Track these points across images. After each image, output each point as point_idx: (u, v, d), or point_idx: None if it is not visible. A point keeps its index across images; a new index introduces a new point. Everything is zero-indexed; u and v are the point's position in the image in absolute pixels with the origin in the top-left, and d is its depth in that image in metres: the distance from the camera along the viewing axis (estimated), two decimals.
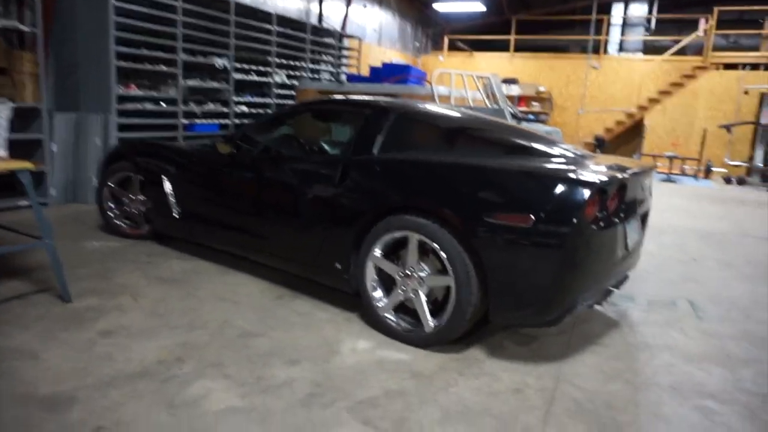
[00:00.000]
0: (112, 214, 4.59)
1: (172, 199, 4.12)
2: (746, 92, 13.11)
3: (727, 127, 12.83)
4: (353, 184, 3.10)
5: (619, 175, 2.76)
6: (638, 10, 16.19)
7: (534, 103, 15.95)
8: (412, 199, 2.84)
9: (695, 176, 12.66)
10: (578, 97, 15.80)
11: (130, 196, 4.47)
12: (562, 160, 2.89)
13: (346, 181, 3.12)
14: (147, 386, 2.31)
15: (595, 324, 3.26)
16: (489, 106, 7.74)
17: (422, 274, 2.81)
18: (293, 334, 2.90)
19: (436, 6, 15.75)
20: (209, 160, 3.92)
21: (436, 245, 2.70)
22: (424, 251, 2.81)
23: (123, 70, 6.41)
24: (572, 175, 2.56)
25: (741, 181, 12.11)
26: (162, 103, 7.15)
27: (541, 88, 16.03)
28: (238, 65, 8.07)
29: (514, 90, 15.53)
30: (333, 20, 12.49)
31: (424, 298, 2.81)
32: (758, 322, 3.52)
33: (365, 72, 11.51)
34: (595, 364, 2.76)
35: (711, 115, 13.72)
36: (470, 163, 2.81)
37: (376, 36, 14.81)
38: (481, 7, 15.11)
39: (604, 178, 2.61)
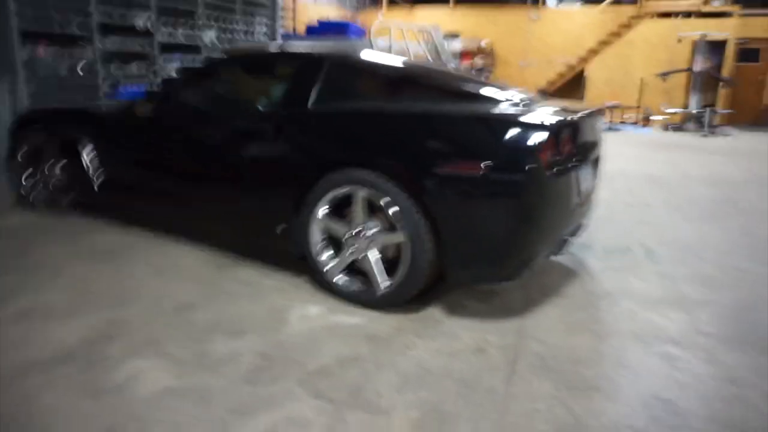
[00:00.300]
0: (26, 187, 4.14)
1: (90, 168, 3.73)
2: (679, 40, 13.35)
3: (663, 76, 13.10)
4: (288, 140, 2.84)
5: (572, 117, 2.61)
6: None
7: (477, 58, 15.79)
8: (353, 153, 2.62)
9: (635, 124, 12.92)
10: (520, 50, 15.77)
11: (45, 165, 4.03)
12: (511, 104, 2.71)
13: (280, 138, 2.85)
14: (68, 371, 2.04)
15: (554, 275, 3.17)
16: (431, 60, 7.50)
17: (371, 233, 2.60)
18: (237, 305, 2.66)
19: None
20: (129, 122, 3.54)
21: (383, 201, 2.49)
22: (372, 209, 2.60)
23: (28, 33, 5.77)
24: (524, 119, 2.39)
25: (678, 128, 12.44)
26: (79, 69, 6.55)
27: (483, 43, 15.87)
28: (162, 28, 7.47)
29: (456, 45, 15.28)
30: None
31: (374, 258, 2.61)
32: (708, 262, 3.53)
33: (302, 31, 11.01)
34: (557, 316, 2.66)
35: (647, 65, 13.94)
36: (413, 110, 2.60)
37: None
38: None
39: (557, 120, 2.46)
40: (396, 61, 3.33)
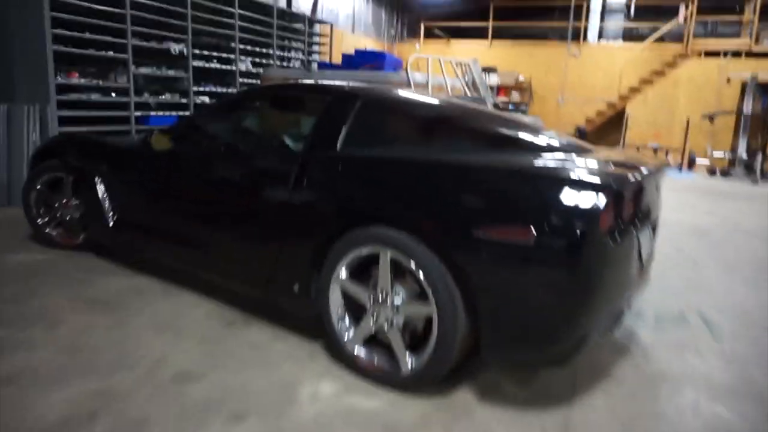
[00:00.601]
0: (42, 221, 3.96)
1: (105, 204, 3.53)
2: (728, 80, 12.83)
3: (710, 117, 12.57)
4: (312, 186, 2.56)
5: (636, 176, 2.27)
6: None
7: (513, 93, 15.52)
8: (383, 207, 2.33)
9: (679, 168, 12.38)
10: (558, 87, 15.41)
11: (62, 199, 3.85)
12: (562, 155, 2.39)
13: (304, 182, 2.58)
14: None
15: (602, 351, 2.78)
16: (469, 94, 7.24)
17: (397, 301, 2.29)
18: (243, 375, 2.36)
19: None
20: (144, 156, 3.34)
21: (413, 264, 2.18)
22: (401, 272, 2.29)
23: (63, 56, 5.73)
24: (583, 176, 2.06)
25: (725, 173, 11.85)
26: (113, 93, 6.50)
27: (521, 77, 15.60)
28: (197, 51, 7.42)
29: (493, 79, 15.06)
30: (303, 6, 11.84)
31: (399, 331, 2.29)
32: None
33: (338, 60, 10.92)
34: (609, 407, 2.28)
35: (692, 105, 13.43)
36: (453, 161, 2.30)
37: (349, 23, 14.19)
38: None
39: (621, 180, 2.13)
40: (434, 101, 3.07)
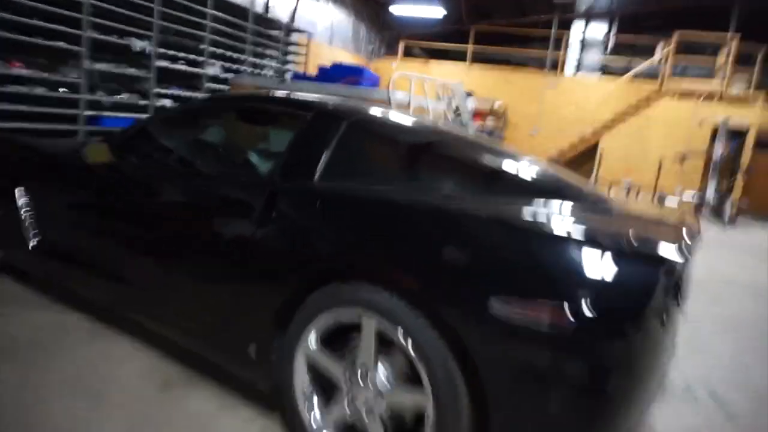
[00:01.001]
0: None
1: (26, 221, 2.94)
2: (701, 123, 12.92)
3: (681, 158, 12.61)
4: (281, 224, 2.07)
5: (688, 243, 1.86)
6: (598, 30, 15.89)
7: (488, 119, 15.33)
8: (370, 260, 1.85)
9: None
10: (533, 116, 15.32)
11: None
12: (592, 206, 1.97)
13: (271, 217, 2.08)
14: None
15: None
16: (450, 118, 6.87)
17: (381, 383, 1.81)
18: None
19: (393, 9, 14.88)
20: (77, 168, 2.78)
21: (404, 339, 1.71)
22: (386, 345, 1.81)
23: (5, 42, 5.09)
24: (633, 241, 1.64)
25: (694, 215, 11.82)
26: (61, 88, 5.86)
27: (497, 104, 15.44)
28: (162, 50, 6.84)
29: (470, 103, 14.82)
30: (280, 13, 11.36)
31: (382, 422, 1.81)
32: None
33: (313, 71, 10.46)
34: None
35: (664, 144, 13.48)
36: (463, 208, 1.85)
37: (327, 35, 13.77)
38: (441, 12, 14.35)
39: (677, 248, 1.70)
40: (436, 128, 2.63)
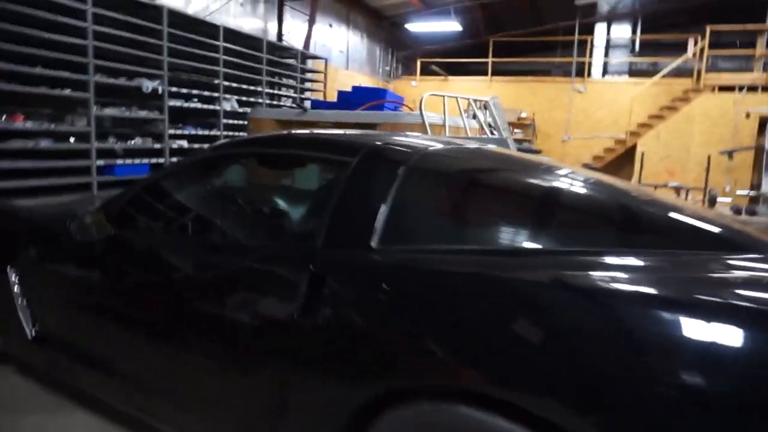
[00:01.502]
0: None
1: (24, 308, 2.42)
2: (747, 115, 12.12)
3: (729, 154, 11.79)
4: (331, 315, 1.50)
5: None
6: (622, 31, 15.25)
7: (516, 130, 14.71)
8: (472, 368, 1.27)
9: None
10: (563, 123, 14.67)
11: None
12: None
13: (317, 306, 1.51)
14: None
15: None
16: (488, 134, 6.29)
17: None
18: None
19: (408, 26, 14.48)
20: (68, 243, 2.25)
21: None
22: None
23: (5, 95, 4.70)
24: None
25: (752, 212, 10.97)
26: (71, 138, 5.46)
27: (523, 114, 14.85)
28: (174, 89, 6.43)
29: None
30: (294, 41, 11.01)
31: None
32: None
33: (332, 98, 10.04)
34: None
35: (707, 140, 12.70)
36: (606, 282, 1.25)
37: (342, 59, 13.39)
38: (457, 27, 13.91)
39: None
40: (513, 158, 2.06)
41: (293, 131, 2.24)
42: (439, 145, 1.95)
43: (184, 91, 6.63)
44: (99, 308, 2.16)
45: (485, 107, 6.55)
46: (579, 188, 1.76)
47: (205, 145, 7.13)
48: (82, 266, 2.21)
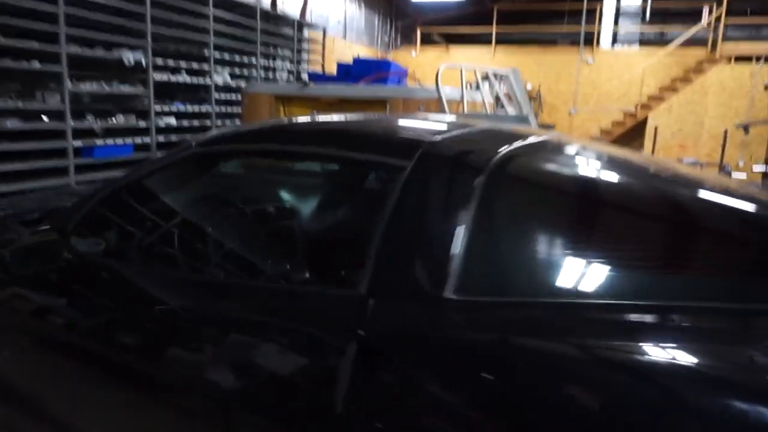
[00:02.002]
0: None
1: None
2: (766, 87, 11.56)
3: (745, 127, 11.26)
4: (393, 411, 0.99)
5: None
6: None
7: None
8: None
9: None
10: (569, 95, 14.04)
11: None
12: None
13: (371, 391, 1.00)
14: None
15: None
16: (509, 112, 5.72)
17: None
18: None
19: None
20: (19, 275, 1.69)
21: None
22: None
23: None
24: None
25: None
26: (44, 117, 4.86)
27: (528, 86, 14.19)
28: (159, 61, 5.79)
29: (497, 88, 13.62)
30: (288, 9, 10.27)
31: None
32: None
33: (332, 70, 9.39)
34: None
35: (722, 113, 12.16)
36: None
37: (340, 29, 12.66)
38: None
39: None
40: (643, 162, 1.52)
41: (309, 119, 1.67)
42: (516, 139, 1.41)
43: (171, 63, 5.98)
44: (57, 364, 1.61)
45: (493, 79, 5.93)
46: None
47: (196, 123, 6.54)
48: (26, 309, 1.64)
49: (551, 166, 1.34)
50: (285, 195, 1.70)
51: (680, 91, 12.56)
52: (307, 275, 1.41)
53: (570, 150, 1.52)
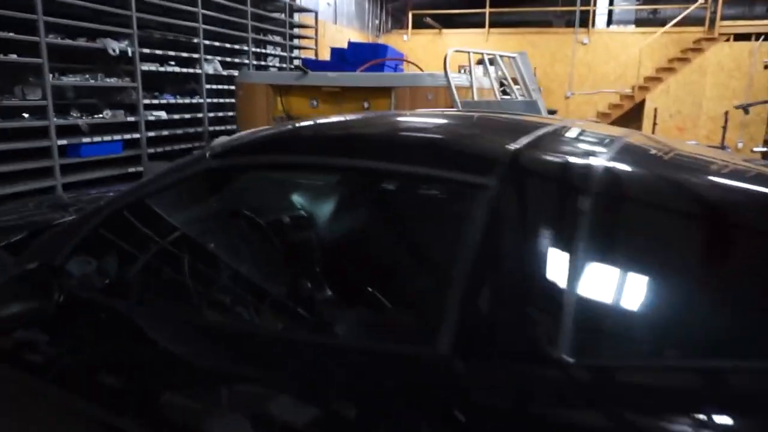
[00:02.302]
0: None
1: None
2: (766, 66, 11.36)
3: (745, 108, 11.09)
4: None
5: None
6: None
7: (516, 87, 13.79)
8: None
9: None
10: (565, 78, 13.79)
11: None
12: None
13: None
14: None
15: None
16: (518, 97, 5.45)
17: None
18: None
19: None
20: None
21: None
22: None
23: None
24: None
25: None
26: (24, 114, 4.52)
27: None
28: (146, 51, 5.43)
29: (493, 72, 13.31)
30: None
31: None
32: None
33: (325, 56, 9.03)
34: None
35: (720, 94, 11.98)
36: None
37: (330, 12, 12.25)
38: None
39: None
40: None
41: (358, 116, 1.38)
42: (604, 141, 1.15)
43: (159, 52, 5.61)
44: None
45: (490, 62, 5.62)
46: None
47: (187, 116, 6.19)
48: (12, 362, 1.35)
49: (675, 178, 1.07)
50: (321, 220, 1.37)
51: (678, 72, 12.35)
52: (371, 328, 1.13)
53: (665, 154, 1.26)
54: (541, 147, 1.11)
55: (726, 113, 11.11)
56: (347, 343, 1.06)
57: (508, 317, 0.89)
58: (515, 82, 5.79)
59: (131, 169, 5.33)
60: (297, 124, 1.38)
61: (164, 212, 1.35)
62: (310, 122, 1.41)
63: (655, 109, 12.14)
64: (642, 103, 12.67)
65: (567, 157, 1.06)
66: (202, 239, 1.35)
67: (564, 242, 0.90)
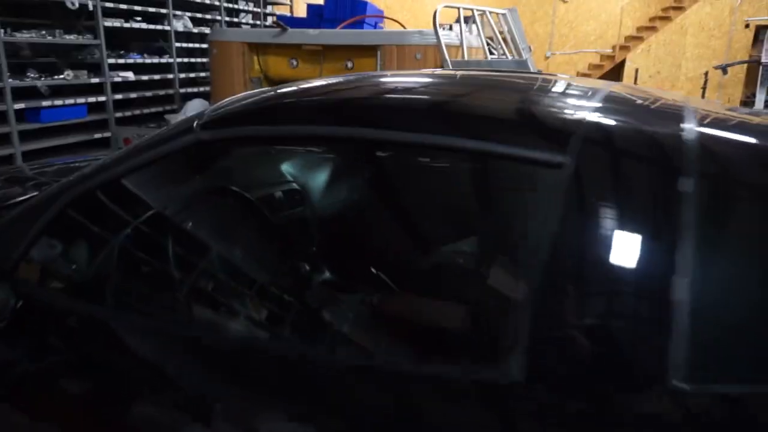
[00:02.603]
0: None
1: None
2: (747, 25, 11.29)
3: (724, 68, 11.04)
4: None
5: None
6: None
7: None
8: None
9: None
10: (545, 37, 13.52)
11: None
12: None
13: None
14: None
15: None
16: (509, 56, 5.20)
17: None
18: None
19: None
20: None
21: None
22: None
23: None
24: None
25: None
26: None
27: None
28: (109, 5, 4.99)
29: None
30: None
31: None
32: None
33: (301, 13, 8.59)
34: None
35: (699, 54, 11.91)
36: None
37: None
38: None
39: None
40: None
41: (382, 74, 1.14)
42: (672, 112, 0.96)
43: (123, 7, 5.17)
44: None
45: (490, 19, 5.36)
46: None
47: (156, 77, 5.79)
48: None
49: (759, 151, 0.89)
50: (349, 207, 1.08)
51: (659, 31, 12.19)
52: (416, 351, 0.89)
53: (746, 120, 1.07)
54: (614, 114, 0.91)
55: (706, 74, 11.04)
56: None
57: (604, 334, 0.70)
58: (504, 40, 5.54)
59: (97, 135, 4.98)
60: (311, 84, 1.14)
61: (145, 195, 1.11)
62: (331, 81, 1.17)
63: (636, 70, 12.02)
64: (622, 63, 12.53)
65: (655, 128, 0.86)
66: (194, 231, 1.12)
67: (661, 238, 0.71)
